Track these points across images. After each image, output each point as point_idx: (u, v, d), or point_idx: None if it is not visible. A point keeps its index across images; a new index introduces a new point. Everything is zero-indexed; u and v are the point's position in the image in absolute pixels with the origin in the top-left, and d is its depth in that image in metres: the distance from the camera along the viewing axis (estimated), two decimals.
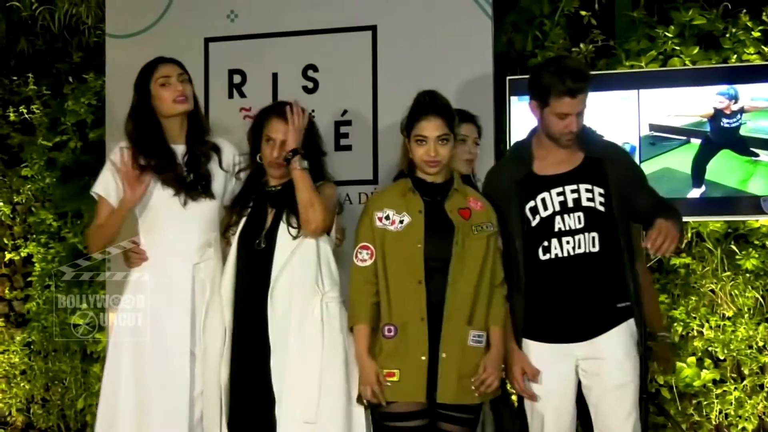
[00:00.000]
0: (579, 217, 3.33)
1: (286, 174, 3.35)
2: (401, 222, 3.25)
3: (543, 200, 3.36)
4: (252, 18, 5.16)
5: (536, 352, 3.36)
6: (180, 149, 3.44)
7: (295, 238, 3.26)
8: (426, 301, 3.20)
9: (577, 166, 3.41)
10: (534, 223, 3.36)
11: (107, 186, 3.43)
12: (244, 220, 3.35)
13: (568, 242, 3.32)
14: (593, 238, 3.32)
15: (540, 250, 3.35)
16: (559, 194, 3.36)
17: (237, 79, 5.05)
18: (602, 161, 3.40)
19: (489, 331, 3.28)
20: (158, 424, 3.29)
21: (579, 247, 3.32)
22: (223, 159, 3.52)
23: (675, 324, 5.19)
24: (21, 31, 6.45)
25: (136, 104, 3.47)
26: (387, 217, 3.26)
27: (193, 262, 3.36)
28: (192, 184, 3.38)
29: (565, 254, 3.32)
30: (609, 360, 3.30)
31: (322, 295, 3.29)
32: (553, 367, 3.35)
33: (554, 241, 3.33)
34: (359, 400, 3.29)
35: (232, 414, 3.32)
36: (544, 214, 3.36)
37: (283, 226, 3.29)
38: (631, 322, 3.36)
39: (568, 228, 3.33)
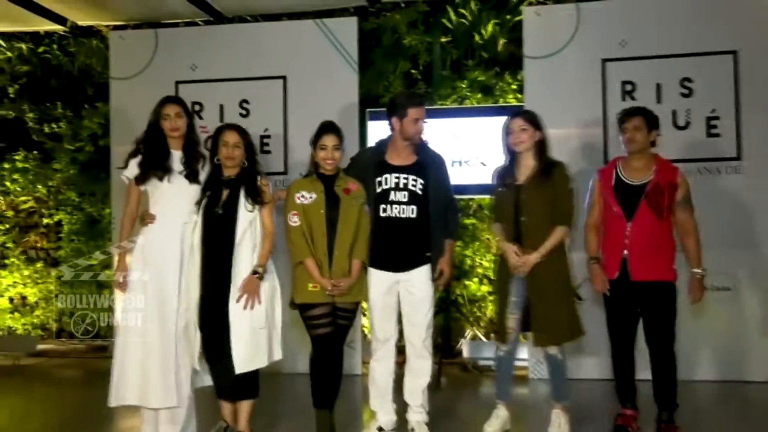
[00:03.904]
0: (405, 195, 3.35)
1: (236, 169, 3.27)
2: (311, 198, 3.25)
3: (386, 178, 3.37)
4: (207, 69, 5.19)
5: (375, 275, 3.37)
6: (177, 154, 3.31)
7: (251, 211, 3.19)
8: (327, 245, 3.23)
9: (411, 163, 3.40)
10: (378, 191, 3.37)
11: (132, 171, 3.31)
12: (206, 198, 3.26)
13: (395, 208, 3.35)
14: (413, 209, 3.34)
15: (380, 210, 3.36)
16: (396, 177, 3.37)
17: (197, 108, 5.05)
18: (425, 164, 3.41)
19: (352, 261, 3.27)
20: (155, 327, 3.20)
21: (403, 213, 3.34)
22: (205, 166, 3.36)
23: (466, 259, 5.40)
24: (52, 74, 6.32)
25: (150, 123, 3.34)
26: (302, 196, 3.26)
27: (182, 221, 3.24)
28: (187, 175, 3.27)
29: (394, 216, 3.34)
30: (417, 284, 3.37)
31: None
32: (381, 285, 3.37)
33: (389, 207, 3.35)
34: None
35: (203, 325, 3.20)
36: (385, 186, 3.36)
37: (242, 203, 3.18)
38: (429, 265, 3.38)
39: (397, 200, 3.35)
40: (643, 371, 3.37)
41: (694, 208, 3.35)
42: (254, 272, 3.15)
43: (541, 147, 3.31)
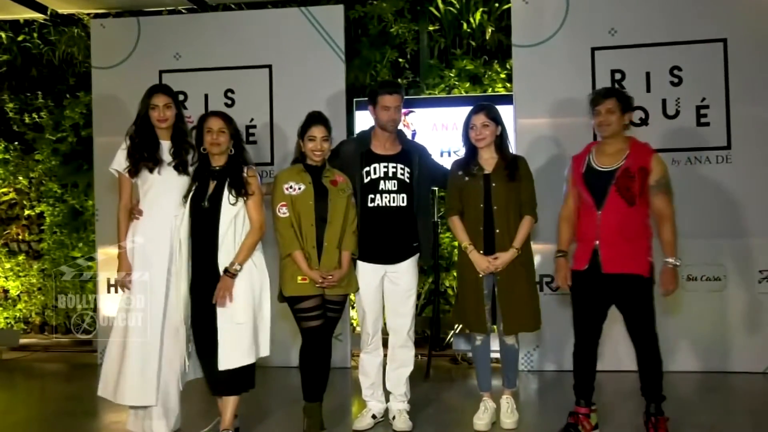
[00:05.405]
0: (394, 183, 3.37)
1: (223, 157, 3.22)
2: (300, 189, 3.21)
3: (374, 168, 3.38)
4: (191, 58, 5.10)
5: (364, 269, 3.38)
6: (166, 144, 3.26)
7: (233, 204, 3.12)
8: (316, 237, 3.21)
9: (397, 152, 3.43)
10: (366, 181, 3.37)
11: (121, 163, 3.25)
12: (193, 189, 3.21)
13: (386, 197, 3.36)
14: (403, 197, 3.37)
15: (368, 200, 3.36)
16: (384, 167, 3.38)
17: (181, 97, 4.92)
18: (410, 152, 3.45)
19: (341, 253, 3.25)
20: (141, 323, 3.16)
21: (393, 202, 3.36)
22: (194, 155, 3.29)
23: (455, 251, 5.29)
24: (32, 63, 6.21)
25: (139, 113, 3.28)
26: (291, 187, 3.21)
27: (173, 214, 3.19)
28: (176, 166, 3.22)
29: (384, 205, 3.36)
30: (403, 274, 3.41)
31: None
32: (371, 278, 3.39)
33: (378, 196, 3.36)
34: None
35: (193, 322, 3.18)
36: (373, 176, 3.37)
37: (225, 196, 3.12)
38: (417, 255, 3.45)
39: (387, 189, 3.36)
40: (628, 363, 3.36)
41: (673, 192, 3.16)
42: (225, 271, 3.08)
43: (501, 140, 3.34)
